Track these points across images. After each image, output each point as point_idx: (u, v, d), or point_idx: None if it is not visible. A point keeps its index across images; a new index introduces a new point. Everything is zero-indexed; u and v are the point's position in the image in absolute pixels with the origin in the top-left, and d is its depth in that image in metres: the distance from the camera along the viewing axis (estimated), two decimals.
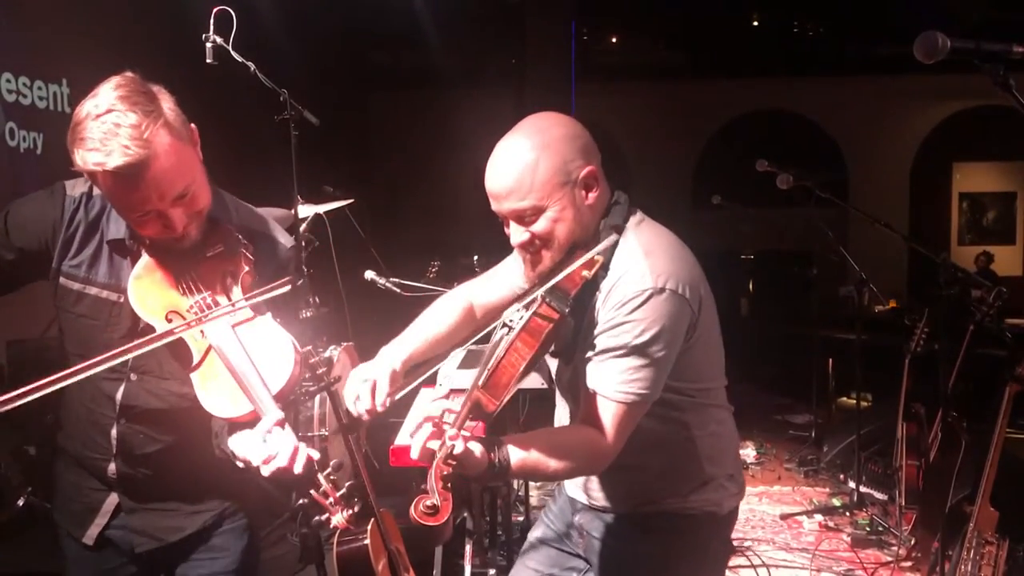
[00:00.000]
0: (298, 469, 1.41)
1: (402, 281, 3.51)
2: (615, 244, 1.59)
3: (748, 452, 5.80)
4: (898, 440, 4.26)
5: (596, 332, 1.57)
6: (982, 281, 3.47)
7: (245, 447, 1.45)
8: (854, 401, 5.24)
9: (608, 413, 1.54)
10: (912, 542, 3.93)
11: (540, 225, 1.57)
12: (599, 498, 1.78)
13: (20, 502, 3.53)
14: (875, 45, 9.76)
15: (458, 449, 1.34)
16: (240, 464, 1.49)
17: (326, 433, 4.18)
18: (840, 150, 11.40)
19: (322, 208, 3.80)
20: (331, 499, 1.42)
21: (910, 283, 10.51)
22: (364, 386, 1.53)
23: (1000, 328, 3.28)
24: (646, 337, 1.52)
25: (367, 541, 2.34)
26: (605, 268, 1.57)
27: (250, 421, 1.47)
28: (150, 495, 1.71)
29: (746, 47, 10.37)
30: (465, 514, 3.46)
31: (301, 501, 1.51)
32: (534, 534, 1.96)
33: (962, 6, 7.94)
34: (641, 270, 1.54)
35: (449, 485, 1.34)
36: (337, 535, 2.41)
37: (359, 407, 1.52)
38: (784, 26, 10.45)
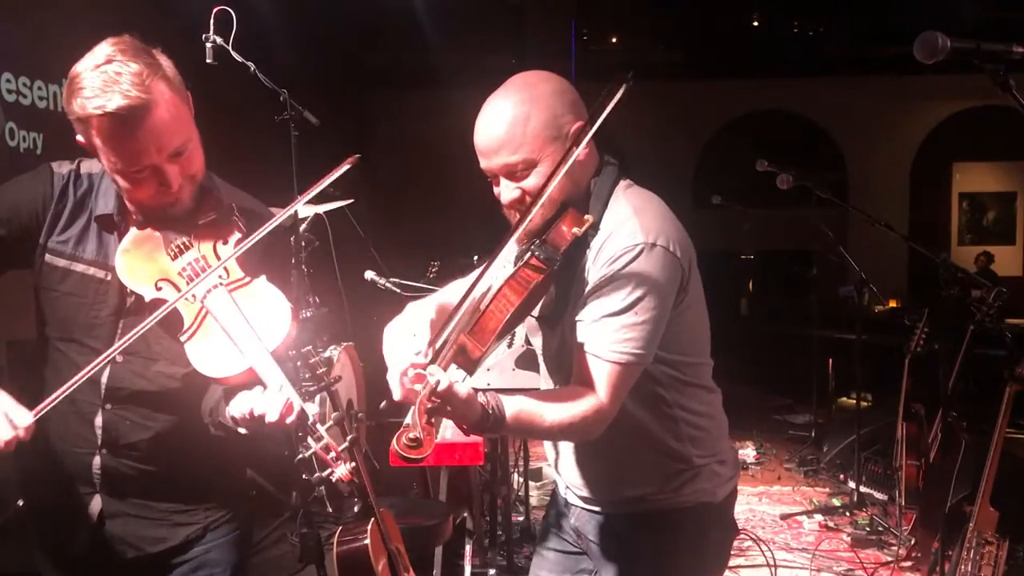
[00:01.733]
0: (289, 419, 1.39)
1: (402, 281, 3.51)
2: (606, 204, 1.58)
3: (748, 452, 5.81)
4: (898, 440, 4.26)
5: (587, 292, 1.55)
6: (982, 281, 3.47)
7: (248, 404, 1.41)
8: (854, 401, 5.25)
9: (603, 374, 1.51)
10: (912, 542, 3.93)
11: (531, 181, 1.55)
12: (586, 491, 1.75)
13: (20, 502, 3.53)
14: (875, 45, 9.75)
15: (442, 385, 1.30)
16: (242, 430, 1.46)
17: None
18: (840, 150, 11.40)
19: (322, 208, 3.81)
20: (333, 453, 1.40)
21: (910, 283, 10.51)
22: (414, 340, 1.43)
23: (1000, 328, 3.28)
24: (638, 293, 1.50)
25: (367, 541, 2.34)
26: (595, 227, 1.55)
27: (244, 383, 1.44)
28: (134, 493, 1.64)
29: (746, 47, 10.37)
30: (465, 514, 3.46)
31: (303, 469, 1.47)
32: (539, 542, 1.94)
33: (962, 6, 7.94)
34: (632, 227, 1.52)
35: (432, 421, 1.30)
36: (337, 535, 2.41)
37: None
38: (784, 26, 10.44)
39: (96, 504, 1.64)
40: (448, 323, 1.40)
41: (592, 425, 1.52)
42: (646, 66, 10.63)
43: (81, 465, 1.63)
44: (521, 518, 4.14)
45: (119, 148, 1.46)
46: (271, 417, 1.39)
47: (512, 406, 1.44)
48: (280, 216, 1.58)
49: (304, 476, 1.48)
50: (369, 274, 3.51)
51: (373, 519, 2.35)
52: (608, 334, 1.51)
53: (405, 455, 1.27)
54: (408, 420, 1.30)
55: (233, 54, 3.15)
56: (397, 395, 1.38)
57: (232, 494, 1.77)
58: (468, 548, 3.33)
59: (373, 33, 8.43)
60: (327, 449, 1.40)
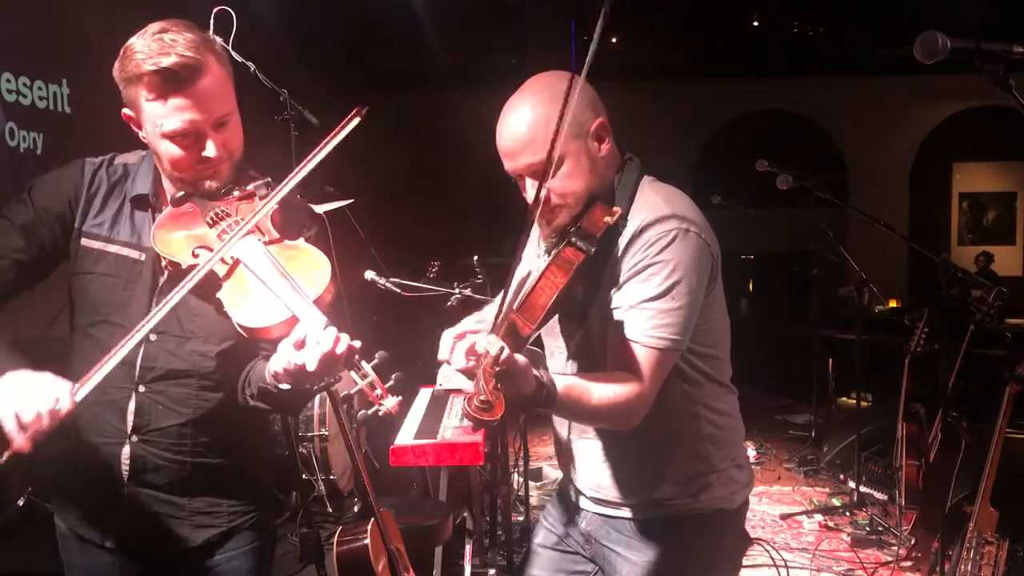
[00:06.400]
0: (340, 350, 1.38)
1: (402, 281, 3.50)
2: (632, 197, 1.62)
3: (748, 452, 5.80)
4: (898, 440, 4.26)
5: (623, 279, 1.57)
6: (982, 281, 3.47)
7: (290, 350, 1.39)
8: (854, 401, 5.25)
9: (641, 359, 1.54)
10: (912, 542, 3.93)
11: (557, 179, 1.58)
12: (606, 493, 1.75)
13: (20, 502, 3.53)
14: (875, 45, 9.75)
15: (505, 352, 1.32)
16: (284, 386, 1.46)
17: (326, 433, 4.18)
18: (840, 150, 11.40)
19: (322, 208, 3.80)
20: (378, 390, 1.40)
21: (910, 283, 10.51)
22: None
23: (1000, 328, 3.28)
24: (674, 278, 1.53)
25: (367, 541, 2.35)
26: (623, 219, 1.58)
27: (284, 336, 1.43)
28: (161, 486, 1.64)
29: (746, 47, 10.36)
30: (465, 514, 3.46)
31: (350, 393, 1.44)
32: (535, 540, 1.94)
33: (962, 6, 7.93)
34: (666, 214, 1.56)
35: (499, 387, 1.32)
36: (337, 535, 2.41)
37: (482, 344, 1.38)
38: (784, 26, 10.43)
39: (123, 497, 1.64)
40: (499, 311, 1.42)
41: (634, 409, 1.55)
42: (646, 66, 10.62)
43: (110, 456, 1.63)
44: (521, 518, 4.14)
45: (168, 105, 1.50)
46: (323, 349, 1.36)
47: (563, 382, 1.48)
48: (302, 167, 1.60)
49: (356, 409, 1.46)
50: (369, 274, 3.50)
51: (373, 519, 2.35)
52: (646, 320, 1.54)
53: (479, 418, 1.30)
54: (472, 389, 1.33)
55: (233, 54, 3.13)
56: (457, 365, 1.42)
57: (256, 494, 1.77)
58: (468, 548, 3.33)
59: (373, 33, 8.42)
60: (372, 386, 1.39)
